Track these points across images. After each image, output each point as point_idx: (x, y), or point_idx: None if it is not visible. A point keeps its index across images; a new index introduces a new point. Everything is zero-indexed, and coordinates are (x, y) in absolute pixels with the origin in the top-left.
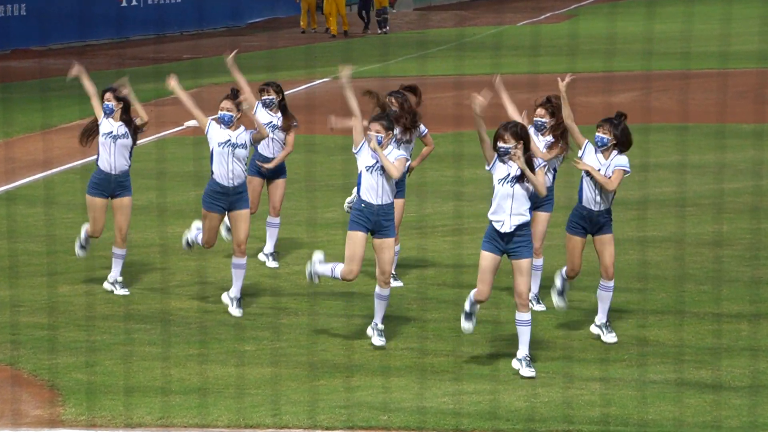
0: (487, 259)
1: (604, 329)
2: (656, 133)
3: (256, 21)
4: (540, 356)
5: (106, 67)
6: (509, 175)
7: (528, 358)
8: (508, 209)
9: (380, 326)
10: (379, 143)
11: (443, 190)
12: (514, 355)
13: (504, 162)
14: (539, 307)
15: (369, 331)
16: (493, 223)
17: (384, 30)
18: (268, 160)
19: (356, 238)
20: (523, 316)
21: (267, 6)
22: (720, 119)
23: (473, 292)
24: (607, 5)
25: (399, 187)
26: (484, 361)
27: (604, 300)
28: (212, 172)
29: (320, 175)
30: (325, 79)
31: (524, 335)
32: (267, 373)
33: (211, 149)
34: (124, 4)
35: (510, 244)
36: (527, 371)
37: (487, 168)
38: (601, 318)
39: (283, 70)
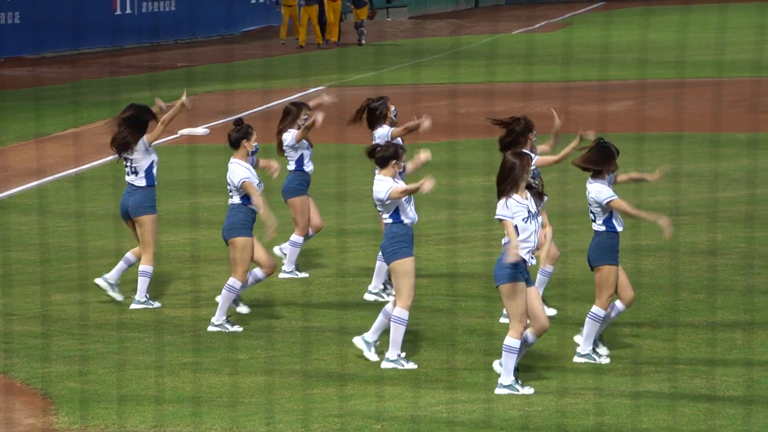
0: (524, 290)
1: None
2: (651, 142)
3: (250, 29)
4: (534, 365)
5: (100, 76)
6: (530, 212)
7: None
8: (533, 242)
9: (402, 355)
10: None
11: (437, 199)
12: None
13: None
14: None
15: (401, 364)
16: (524, 256)
17: (360, 43)
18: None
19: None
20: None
21: (261, 15)
22: (714, 128)
23: (531, 330)
24: (602, 14)
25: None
26: (477, 370)
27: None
28: (244, 204)
29: (314, 183)
30: (319, 88)
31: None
32: (260, 382)
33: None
34: (118, 12)
35: (526, 273)
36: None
37: (499, 216)
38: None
39: (278, 79)
